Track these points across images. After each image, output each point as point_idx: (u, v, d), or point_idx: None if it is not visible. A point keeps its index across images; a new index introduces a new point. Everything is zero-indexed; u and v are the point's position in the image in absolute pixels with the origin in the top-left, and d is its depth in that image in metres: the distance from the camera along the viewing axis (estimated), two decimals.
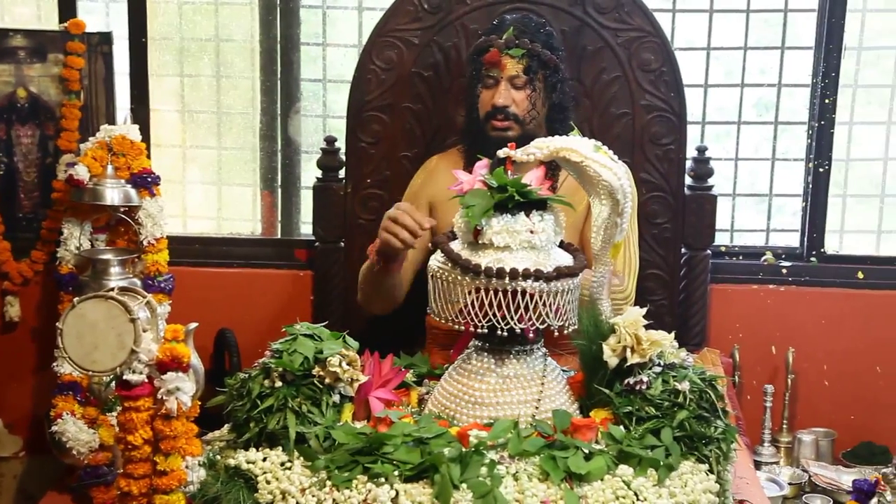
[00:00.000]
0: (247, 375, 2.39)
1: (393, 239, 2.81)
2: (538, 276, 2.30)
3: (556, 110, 3.18)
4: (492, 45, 3.10)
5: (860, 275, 3.94)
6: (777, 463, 3.81)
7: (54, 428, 3.41)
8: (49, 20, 4.04)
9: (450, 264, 2.36)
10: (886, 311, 3.91)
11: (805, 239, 3.97)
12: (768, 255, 3.98)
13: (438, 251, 2.43)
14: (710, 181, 3.67)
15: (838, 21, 3.82)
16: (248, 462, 2.26)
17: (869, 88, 4.04)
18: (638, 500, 2.15)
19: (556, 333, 2.39)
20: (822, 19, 3.84)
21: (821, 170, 3.92)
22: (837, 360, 3.95)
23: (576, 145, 2.41)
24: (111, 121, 3.84)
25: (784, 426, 3.90)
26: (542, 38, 3.14)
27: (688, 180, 3.64)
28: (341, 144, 3.68)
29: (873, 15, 3.97)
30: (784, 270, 3.95)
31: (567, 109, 3.22)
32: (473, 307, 2.33)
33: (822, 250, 3.97)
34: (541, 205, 2.38)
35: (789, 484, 3.63)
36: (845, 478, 3.62)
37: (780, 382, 3.91)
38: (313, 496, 2.16)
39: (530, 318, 2.33)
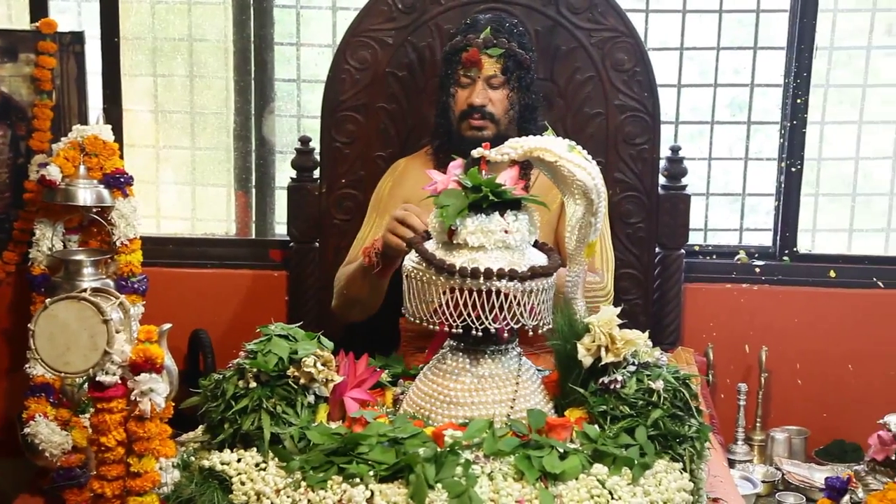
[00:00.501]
0: (221, 376, 2.38)
1: (400, 241, 2.78)
2: (512, 275, 2.30)
3: (527, 110, 3.18)
4: (470, 44, 3.10)
5: (832, 273, 3.97)
6: (750, 461, 3.83)
7: (27, 430, 3.39)
8: (20, 20, 4.01)
9: (424, 264, 2.36)
10: (858, 310, 3.94)
11: (778, 238, 4.00)
12: (741, 255, 4.00)
13: (413, 251, 2.43)
14: (684, 181, 3.68)
15: (810, 21, 3.85)
16: (222, 463, 2.25)
17: (840, 88, 4.06)
18: (613, 498, 2.16)
19: (531, 333, 2.39)
20: (794, 20, 3.87)
21: (793, 169, 3.94)
22: (810, 359, 3.97)
23: (550, 145, 2.41)
24: (83, 121, 3.82)
25: (757, 424, 3.92)
26: (517, 38, 3.15)
27: (662, 180, 3.66)
28: (316, 144, 3.67)
29: (844, 15, 3.99)
30: (757, 269, 3.97)
31: (537, 110, 3.22)
32: (448, 307, 2.33)
33: (795, 249, 3.99)
34: (515, 204, 2.39)
35: (763, 482, 3.65)
36: (818, 475, 3.64)
37: (753, 381, 3.93)
38: (288, 497, 2.15)
39: (505, 318, 2.34)
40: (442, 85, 3.23)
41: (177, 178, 4.23)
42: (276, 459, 2.24)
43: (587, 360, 2.37)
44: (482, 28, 3.12)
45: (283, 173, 4.09)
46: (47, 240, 3.58)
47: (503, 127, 3.11)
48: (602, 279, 3.12)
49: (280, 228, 4.17)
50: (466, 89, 3.12)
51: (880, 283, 3.95)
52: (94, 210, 3.56)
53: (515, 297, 2.32)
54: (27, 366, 3.49)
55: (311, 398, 2.35)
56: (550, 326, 2.42)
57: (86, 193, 3.49)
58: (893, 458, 2.55)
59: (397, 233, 2.80)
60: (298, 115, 4.14)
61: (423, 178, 3.13)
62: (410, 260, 2.42)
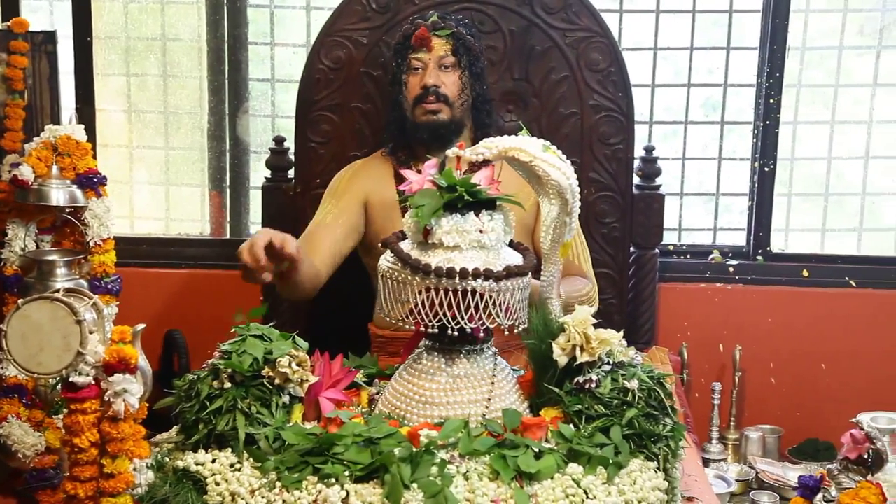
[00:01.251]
0: (195, 377, 2.37)
1: (248, 259, 2.71)
2: (488, 275, 2.30)
3: (482, 101, 3.22)
4: (417, 27, 3.14)
5: (805, 273, 3.99)
6: (725, 460, 3.85)
7: None
8: None
9: (400, 264, 2.36)
10: (831, 309, 3.97)
11: (751, 237, 4.02)
12: (715, 254, 4.01)
13: (388, 251, 2.43)
14: (658, 180, 3.70)
15: (782, 22, 3.87)
16: (196, 464, 2.24)
17: (813, 88, 4.09)
18: (588, 498, 2.16)
19: (507, 332, 2.39)
20: (767, 20, 3.89)
21: (766, 169, 3.96)
22: (783, 358, 4.00)
23: (525, 145, 2.41)
24: (56, 121, 3.80)
25: (731, 423, 3.94)
26: (463, 25, 3.21)
27: (636, 180, 3.67)
28: (290, 144, 3.67)
29: (816, 16, 4.02)
30: (731, 269, 3.99)
31: (491, 101, 3.26)
32: (423, 307, 2.33)
33: (768, 249, 4.01)
34: (490, 204, 2.39)
35: (737, 481, 3.67)
36: (791, 474, 3.66)
37: (727, 380, 3.95)
38: (263, 497, 2.15)
39: (480, 318, 2.34)
40: (392, 81, 3.26)
41: (150, 178, 4.22)
42: (251, 460, 2.23)
43: (562, 360, 2.37)
44: (429, 16, 3.19)
45: (258, 173, 4.08)
46: (20, 240, 3.56)
47: (457, 112, 3.14)
48: (591, 282, 3.17)
49: (255, 228, 4.17)
50: (418, 74, 3.15)
51: (853, 283, 3.97)
52: (68, 210, 3.54)
53: (491, 297, 2.32)
54: None
55: (286, 398, 2.35)
56: (526, 326, 2.43)
57: (59, 193, 3.47)
58: (866, 456, 2.57)
59: (251, 277, 2.74)
60: (273, 114, 4.13)
61: (381, 177, 3.23)
62: (386, 260, 2.42)
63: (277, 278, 2.84)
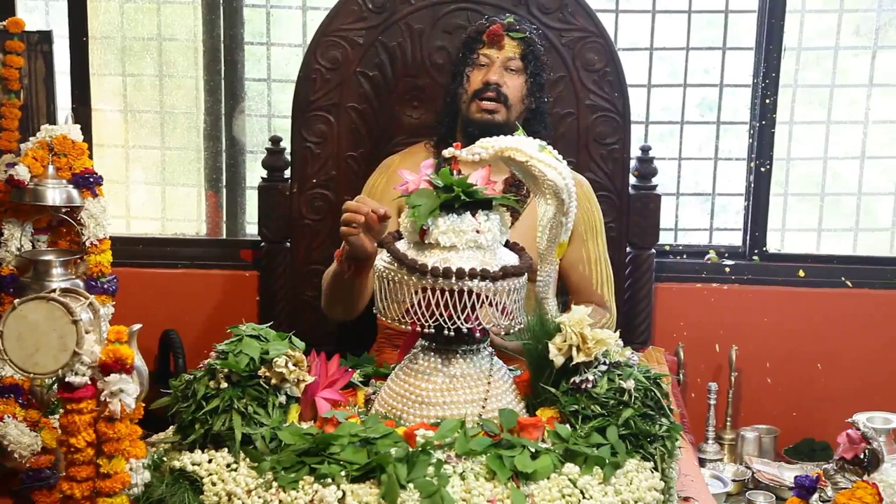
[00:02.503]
0: (192, 377, 2.37)
1: (352, 230, 2.68)
2: (484, 275, 2.30)
3: (538, 112, 3.20)
4: (493, 23, 3.13)
5: (801, 273, 4.00)
6: (721, 460, 3.85)
7: None
8: None
9: (396, 264, 2.36)
10: (827, 309, 3.97)
11: (747, 237, 4.02)
12: (712, 254, 4.02)
13: (384, 251, 2.43)
14: (654, 180, 3.70)
15: (778, 22, 3.87)
16: (193, 464, 2.24)
17: (809, 88, 4.09)
18: (584, 498, 2.16)
19: (503, 333, 2.39)
20: (763, 20, 3.90)
21: (762, 169, 3.96)
22: (779, 358, 4.00)
23: (521, 145, 2.41)
24: (52, 120, 3.79)
25: (728, 423, 3.95)
26: (536, 34, 3.20)
27: (632, 180, 3.67)
28: (286, 144, 3.67)
29: (812, 16, 4.02)
30: (727, 269, 3.99)
31: (548, 115, 3.24)
32: (420, 307, 2.33)
33: (765, 249, 4.02)
34: (486, 204, 2.39)
35: (733, 481, 3.67)
36: (787, 474, 3.66)
37: (723, 380, 3.96)
38: (259, 497, 2.15)
39: (477, 318, 2.34)
40: (454, 73, 3.23)
41: (147, 178, 4.21)
42: (248, 460, 2.23)
43: (559, 360, 2.37)
44: (505, 18, 3.18)
45: (254, 173, 4.08)
46: (16, 240, 3.56)
47: (514, 115, 3.11)
48: (609, 312, 3.19)
49: (251, 228, 4.16)
50: (483, 69, 3.13)
51: (849, 283, 3.98)
52: (64, 210, 3.53)
53: (487, 297, 2.32)
54: None
55: (282, 398, 2.35)
56: (522, 326, 2.43)
57: (55, 193, 3.46)
58: (862, 456, 2.57)
59: (348, 221, 2.69)
60: (269, 114, 4.13)
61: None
62: (382, 260, 2.42)
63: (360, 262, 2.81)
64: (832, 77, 4.06)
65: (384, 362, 2.89)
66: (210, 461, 2.24)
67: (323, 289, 3.12)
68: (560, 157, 2.44)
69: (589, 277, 3.23)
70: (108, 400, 2.13)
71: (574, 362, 2.36)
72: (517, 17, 3.24)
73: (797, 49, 4.01)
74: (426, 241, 2.36)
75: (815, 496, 2.53)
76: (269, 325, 2.48)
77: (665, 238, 4.01)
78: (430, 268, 2.30)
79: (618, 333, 2.43)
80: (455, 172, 2.38)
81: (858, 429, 2.53)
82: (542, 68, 3.19)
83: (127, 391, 2.14)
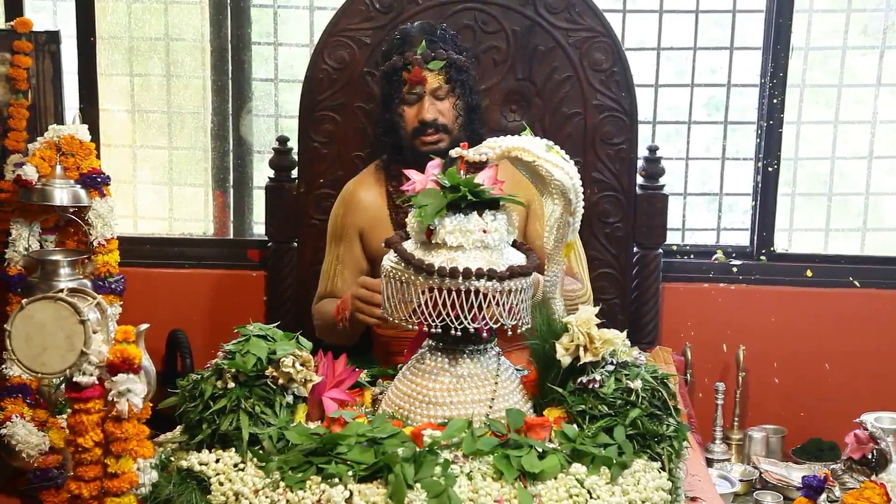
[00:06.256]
0: (199, 376, 2.38)
1: (369, 319, 2.86)
2: (491, 275, 2.30)
3: (472, 111, 3.16)
4: (410, 62, 3.07)
5: (809, 273, 3.99)
6: (728, 460, 3.85)
7: (3, 431, 3.37)
8: None
9: (403, 264, 2.36)
10: (835, 309, 3.96)
11: (755, 237, 4.01)
12: (719, 254, 4.01)
13: (392, 251, 2.43)
14: (662, 180, 3.69)
15: (785, 22, 3.86)
16: (200, 464, 2.24)
17: (816, 88, 4.08)
18: (591, 498, 2.16)
19: (510, 333, 2.39)
20: (770, 20, 3.89)
21: (770, 169, 3.96)
22: (787, 358, 3.99)
23: (528, 145, 2.41)
24: (60, 121, 3.81)
25: (735, 423, 3.94)
26: (451, 44, 3.14)
27: (639, 179, 3.67)
28: (294, 144, 3.67)
29: (820, 16, 4.01)
30: (734, 269, 3.99)
31: (479, 107, 3.21)
32: (427, 307, 2.33)
33: (772, 249, 4.01)
34: (493, 204, 2.39)
35: (740, 481, 3.67)
36: (795, 474, 3.66)
37: (731, 380, 3.95)
38: (266, 497, 2.15)
39: (483, 318, 2.34)
40: (385, 103, 3.18)
41: (154, 177, 4.22)
42: (255, 460, 2.23)
43: (566, 360, 2.37)
44: (415, 41, 3.09)
45: (261, 173, 4.09)
46: (23, 240, 3.57)
47: (455, 133, 3.10)
48: (583, 285, 3.14)
49: (258, 228, 4.17)
50: (413, 106, 3.10)
51: (856, 283, 3.97)
52: (71, 210, 3.54)
53: (494, 297, 2.32)
54: (3, 366, 3.47)
55: (289, 398, 2.35)
56: (529, 326, 2.43)
57: (62, 193, 3.47)
58: (870, 456, 2.56)
59: (365, 311, 2.85)
60: (276, 114, 4.13)
61: (374, 200, 3.23)
62: (389, 260, 2.42)
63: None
64: (840, 77, 4.05)
65: (391, 364, 2.90)
66: (217, 461, 2.24)
67: (316, 323, 3.27)
68: (567, 156, 2.44)
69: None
70: (115, 400, 2.13)
71: (581, 362, 2.36)
72: (428, 35, 3.11)
73: (805, 49, 4.00)
74: (433, 241, 2.36)
75: (823, 496, 2.53)
76: (276, 325, 2.48)
77: (672, 238, 4.00)
78: (436, 268, 2.30)
79: (625, 333, 2.43)
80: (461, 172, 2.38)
81: (866, 429, 2.53)
82: (467, 74, 3.14)
83: (134, 391, 2.14)
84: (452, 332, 2.33)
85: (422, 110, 3.08)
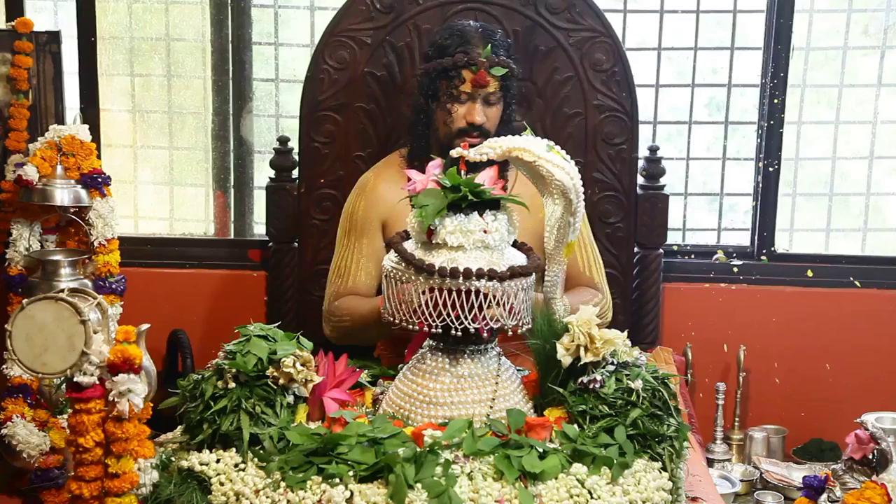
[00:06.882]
0: (200, 377, 2.38)
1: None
2: (492, 275, 2.30)
3: (508, 121, 3.14)
4: (475, 63, 2.98)
5: (810, 273, 3.99)
6: (729, 460, 3.84)
7: (4, 431, 3.37)
8: None
9: (403, 264, 2.36)
10: (835, 309, 3.96)
11: (756, 238, 4.01)
12: (720, 254, 4.01)
13: (392, 251, 2.43)
14: (662, 180, 3.69)
15: (786, 22, 3.86)
16: (201, 464, 2.24)
17: (817, 88, 4.08)
18: (592, 498, 2.16)
19: (510, 333, 2.39)
20: (771, 20, 3.89)
21: (770, 169, 3.96)
22: (788, 358, 3.99)
23: (528, 145, 2.41)
24: (60, 121, 3.81)
25: (736, 423, 3.94)
26: (505, 50, 3.08)
27: (640, 180, 3.67)
28: (294, 144, 3.67)
29: (820, 16, 4.01)
30: (735, 269, 3.99)
31: (513, 112, 3.18)
32: (427, 307, 2.33)
33: (773, 249, 4.01)
34: (494, 204, 2.39)
35: (741, 481, 3.67)
36: (796, 474, 3.66)
37: (731, 380, 3.95)
38: (267, 497, 2.15)
39: (484, 318, 2.34)
40: (429, 93, 3.09)
41: (155, 178, 4.22)
42: (256, 460, 2.24)
43: (566, 360, 2.37)
44: (474, 42, 3.02)
45: (262, 173, 4.08)
46: (24, 240, 3.57)
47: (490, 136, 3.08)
48: (603, 295, 3.15)
49: (259, 228, 4.17)
50: (464, 105, 3.03)
51: (857, 283, 3.97)
52: (72, 210, 3.54)
53: (495, 297, 2.32)
54: (4, 366, 3.47)
55: (290, 398, 2.35)
56: (529, 326, 2.43)
57: (63, 193, 3.47)
58: (871, 456, 2.56)
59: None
60: (277, 114, 4.13)
61: (397, 191, 3.02)
62: (390, 260, 2.42)
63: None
64: (841, 77, 4.05)
65: (392, 364, 2.90)
66: (218, 461, 2.24)
67: (339, 324, 3.11)
68: (568, 156, 2.44)
69: (576, 260, 3.19)
70: (116, 400, 2.13)
71: (582, 362, 2.36)
72: (491, 40, 3.04)
73: (806, 49, 4.00)
74: (434, 241, 2.36)
75: (824, 496, 2.53)
76: (276, 325, 2.48)
77: (673, 238, 4.01)
78: (437, 268, 2.30)
79: (625, 333, 2.43)
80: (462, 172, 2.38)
81: (867, 429, 2.53)
82: (513, 86, 3.11)
83: (135, 391, 2.14)
84: (453, 332, 2.33)
85: (473, 112, 3.01)
